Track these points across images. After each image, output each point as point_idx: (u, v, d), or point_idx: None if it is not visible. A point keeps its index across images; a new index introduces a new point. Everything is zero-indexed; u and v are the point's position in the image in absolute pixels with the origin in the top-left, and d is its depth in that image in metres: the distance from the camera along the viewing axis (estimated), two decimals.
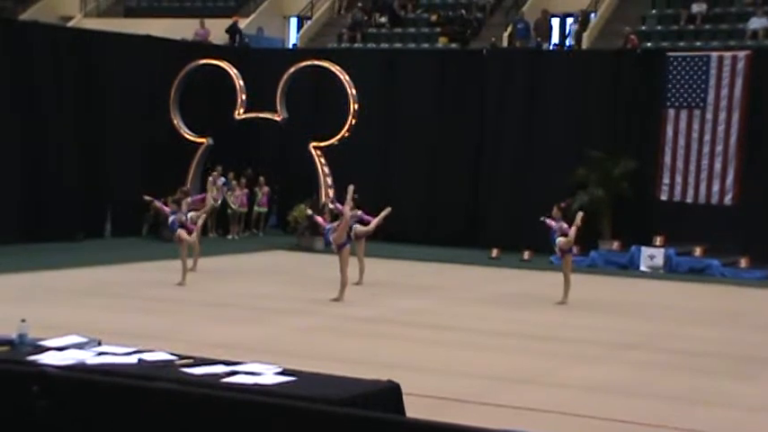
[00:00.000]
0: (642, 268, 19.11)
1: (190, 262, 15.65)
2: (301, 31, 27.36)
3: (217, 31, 25.81)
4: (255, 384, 5.72)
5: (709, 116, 20.12)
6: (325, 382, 5.99)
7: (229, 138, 22.18)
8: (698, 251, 19.16)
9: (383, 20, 26.30)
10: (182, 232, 15.02)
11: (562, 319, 13.33)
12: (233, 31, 25.45)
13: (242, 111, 22.02)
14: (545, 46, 24.01)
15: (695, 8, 23.25)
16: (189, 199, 16.12)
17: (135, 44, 21.75)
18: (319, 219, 15.30)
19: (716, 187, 20.05)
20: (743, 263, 18.83)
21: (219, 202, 22.12)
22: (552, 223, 14.61)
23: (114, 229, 20.95)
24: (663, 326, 13.27)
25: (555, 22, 25.98)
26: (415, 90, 22.21)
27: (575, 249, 19.76)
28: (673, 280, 18.12)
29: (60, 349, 6.40)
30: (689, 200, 20.26)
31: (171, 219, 15.22)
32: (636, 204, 20.41)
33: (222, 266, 17.40)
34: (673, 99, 20.39)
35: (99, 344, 6.69)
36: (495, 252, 19.99)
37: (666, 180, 20.45)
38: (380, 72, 22.58)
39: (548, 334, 12.11)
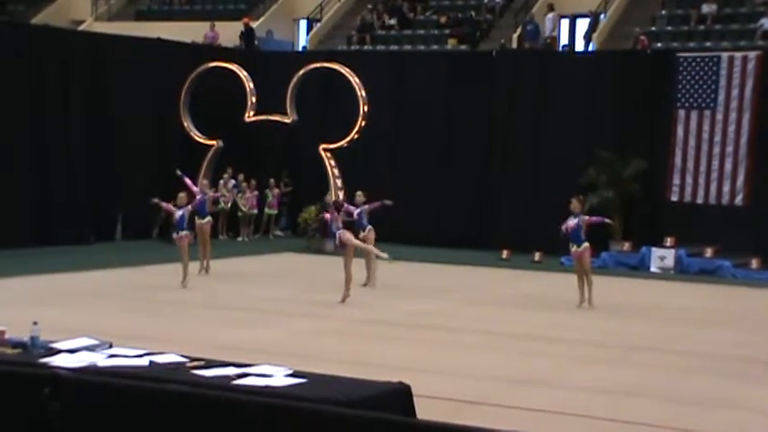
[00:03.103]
0: (653, 269, 19.06)
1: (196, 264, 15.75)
2: (311, 34, 27.40)
3: (227, 33, 25.87)
4: (266, 386, 5.73)
5: (719, 117, 20.07)
6: (336, 384, 6.00)
7: (239, 140, 22.22)
8: (709, 252, 19.10)
9: (392, 22, 26.32)
10: (184, 235, 15.07)
11: (573, 321, 13.30)
12: (247, 34, 25.50)
13: (252, 113, 22.05)
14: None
15: (705, 8, 23.18)
16: (199, 197, 16.19)
17: (145, 47, 21.82)
18: (327, 215, 15.04)
19: (726, 188, 19.98)
20: (754, 264, 18.75)
21: (230, 204, 22.20)
22: (572, 223, 13.92)
23: (125, 232, 21.01)
24: (674, 327, 13.22)
25: (564, 23, 25.96)
26: (424, 92, 22.22)
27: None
28: (684, 281, 18.06)
29: (72, 352, 6.42)
30: (699, 200, 20.21)
31: (180, 213, 15.18)
32: (646, 205, 20.38)
33: (232, 269, 17.43)
34: (683, 100, 20.34)
35: (110, 346, 6.71)
36: (505, 253, 19.97)
37: (677, 181, 20.40)
38: (390, 74, 22.58)
39: (558, 335, 12.09)
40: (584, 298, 14.26)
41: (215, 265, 16.64)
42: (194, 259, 15.85)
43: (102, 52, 20.97)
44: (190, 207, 15.46)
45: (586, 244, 14.13)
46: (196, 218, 16.18)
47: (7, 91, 19.14)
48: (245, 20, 26.23)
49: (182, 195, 15.54)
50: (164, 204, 16.10)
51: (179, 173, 16.81)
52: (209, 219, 16.47)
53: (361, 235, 15.28)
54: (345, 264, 13.90)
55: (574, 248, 14.22)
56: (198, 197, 16.04)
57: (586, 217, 14.23)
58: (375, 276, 15.57)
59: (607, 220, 14.86)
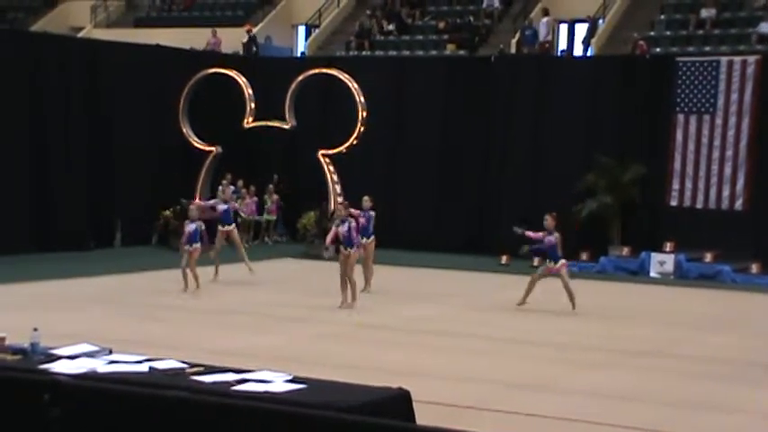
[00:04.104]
0: (652, 274, 19.05)
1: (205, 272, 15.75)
2: (309, 40, 27.44)
3: (226, 40, 25.93)
4: (266, 392, 5.73)
5: (718, 121, 20.08)
6: (336, 389, 6.00)
7: (238, 146, 22.23)
8: (709, 257, 19.09)
9: (391, 27, 26.35)
10: (195, 248, 15.13)
11: (571, 326, 13.30)
12: (250, 41, 25.63)
13: (251, 119, 22.06)
14: (552, 51, 24.06)
15: (704, 13, 23.22)
16: (223, 207, 16.35)
17: (144, 54, 21.85)
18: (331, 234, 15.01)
19: (726, 192, 19.99)
20: (754, 268, 18.75)
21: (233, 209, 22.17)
22: (548, 240, 14.20)
23: (124, 239, 21.00)
24: (673, 332, 13.23)
25: (563, 28, 26.01)
26: (423, 97, 22.24)
27: (584, 256, 19.84)
28: (683, 286, 18.05)
29: (72, 358, 6.42)
30: (699, 205, 20.20)
31: (192, 228, 15.24)
32: (646, 210, 20.38)
33: (232, 275, 17.40)
34: (682, 104, 20.35)
35: (110, 352, 6.71)
36: (504, 258, 19.96)
37: (676, 185, 20.40)
38: (389, 80, 22.60)
39: (557, 340, 12.09)
40: (526, 300, 14.41)
41: (210, 271, 16.55)
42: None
43: (101, 59, 20.98)
44: (202, 224, 15.54)
45: (563, 260, 14.37)
46: (219, 225, 16.51)
47: (7, 99, 19.15)
48: (248, 27, 26.30)
49: (192, 208, 15.75)
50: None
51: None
52: (233, 225, 16.83)
53: (363, 242, 15.25)
54: (349, 273, 13.91)
55: (551, 265, 14.40)
56: (221, 207, 16.47)
57: (554, 239, 14.26)
58: (371, 283, 15.59)
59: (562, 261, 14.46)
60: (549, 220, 14.33)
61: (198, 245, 15.19)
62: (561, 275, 14.27)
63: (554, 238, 14.26)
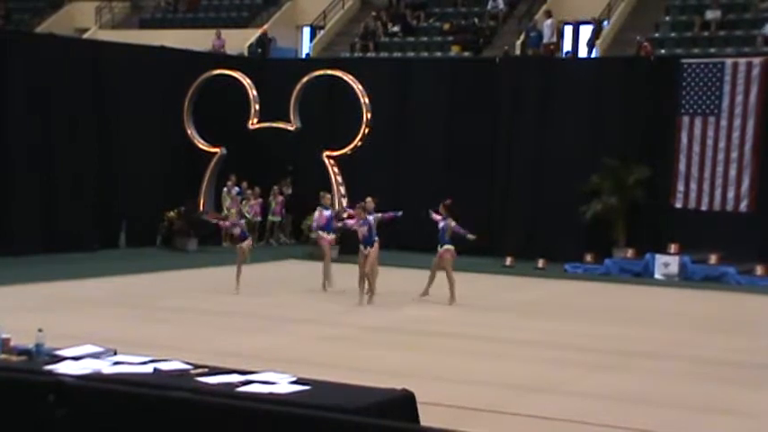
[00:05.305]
0: (657, 276, 19.03)
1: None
2: (314, 41, 27.46)
3: (230, 41, 25.96)
4: (270, 393, 5.74)
5: (723, 123, 20.06)
6: (340, 391, 6.00)
7: (243, 147, 22.25)
8: (713, 259, 19.07)
9: (395, 29, 26.37)
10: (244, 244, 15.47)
11: (575, 328, 13.29)
12: (261, 42, 25.65)
13: (255, 121, 22.08)
14: (557, 53, 24.05)
15: (709, 15, 23.20)
16: (327, 213, 16.37)
17: (149, 55, 21.88)
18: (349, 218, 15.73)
19: (731, 194, 19.97)
20: (759, 270, 18.72)
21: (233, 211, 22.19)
22: (441, 224, 14.73)
23: (128, 240, 21.03)
24: (678, 334, 13.22)
25: (568, 29, 25.99)
26: (427, 99, 22.24)
27: (588, 257, 19.84)
28: (688, 288, 18.04)
29: (76, 359, 6.43)
30: (704, 207, 20.18)
31: (239, 229, 15.47)
32: (650, 212, 20.36)
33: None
34: (687, 106, 20.33)
35: (114, 353, 6.72)
36: (509, 260, 19.96)
37: (681, 187, 20.38)
38: (393, 81, 22.61)
39: (562, 342, 12.08)
40: (427, 291, 14.95)
41: (219, 272, 16.60)
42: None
43: (106, 60, 21.01)
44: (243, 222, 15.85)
45: (448, 246, 14.78)
46: (320, 231, 16.40)
47: (12, 100, 19.19)
48: (263, 29, 26.35)
49: (233, 211, 15.99)
50: (220, 222, 16.47)
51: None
52: (333, 235, 16.46)
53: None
54: (367, 271, 14.39)
55: (438, 247, 14.92)
56: (326, 213, 16.23)
57: (453, 223, 14.76)
58: (375, 285, 15.57)
59: (470, 236, 14.88)
60: (441, 207, 14.89)
61: (247, 242, 15.57)
62: (443, 260, 14.71)
63: (444, 224, 14.74)
